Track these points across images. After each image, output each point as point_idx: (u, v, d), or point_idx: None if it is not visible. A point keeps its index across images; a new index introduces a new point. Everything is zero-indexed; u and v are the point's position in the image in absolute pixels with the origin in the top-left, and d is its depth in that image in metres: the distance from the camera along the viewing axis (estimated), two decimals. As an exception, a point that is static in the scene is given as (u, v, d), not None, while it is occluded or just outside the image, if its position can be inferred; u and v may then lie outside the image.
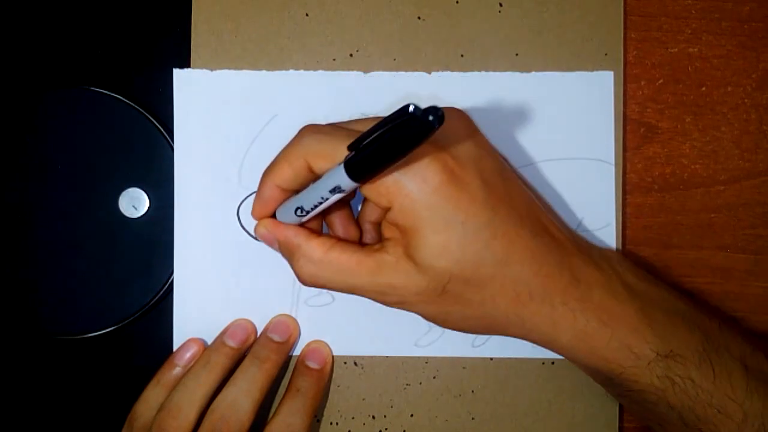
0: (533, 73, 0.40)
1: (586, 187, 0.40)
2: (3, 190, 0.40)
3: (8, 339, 0.40)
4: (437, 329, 0.40)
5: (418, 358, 0.40)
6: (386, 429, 0.41)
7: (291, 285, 0.40)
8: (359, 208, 0.38)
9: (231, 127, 0.40)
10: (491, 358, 0.40)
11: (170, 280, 0.40)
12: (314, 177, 0.33)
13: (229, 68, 0.40)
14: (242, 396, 0.36)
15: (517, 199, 0.34)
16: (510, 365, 0.40)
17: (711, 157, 0.41)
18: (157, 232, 0.40)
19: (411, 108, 0.27)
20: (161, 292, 0.40)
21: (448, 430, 0.40)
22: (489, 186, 0.33)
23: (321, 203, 0.33)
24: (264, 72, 0.40)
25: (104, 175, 0.40)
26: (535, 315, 0.34)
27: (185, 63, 0.40)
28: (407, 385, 0.40)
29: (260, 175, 0.40)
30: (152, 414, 0.36)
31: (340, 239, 0.35)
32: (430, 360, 0.40)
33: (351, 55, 0.40)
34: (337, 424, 0.40)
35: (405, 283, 0.33)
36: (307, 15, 0.40)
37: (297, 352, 0.40)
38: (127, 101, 0.40)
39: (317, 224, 0.37)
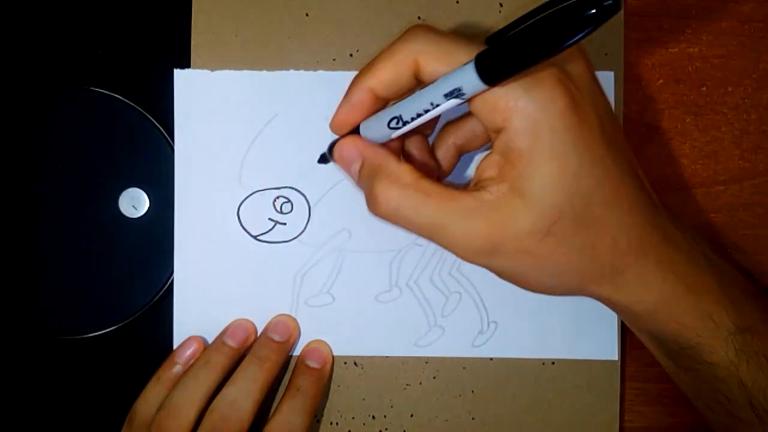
0: (533, 73, 0.40)
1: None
2: (3, 190, 0.40)
3: (9, 339, 0.40)
4: (437, 329, 0.40)
5: (418, 358, 0.40)
6: (386, 429, 0.41)
7: (291, 285, 0.40)
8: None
9: (231, 127, 0.40)
10: (491, 358, 0.40)
11: (170, 280, 0.40)
12: (415, 86, 0.30)
13: (229, 68, 0.40)
14: (242, 395, 0.36)
15: (624, 145, 0.32)
16: (510, 365, 0.40)
17: (711, 157, 0.41)
18: (157, 232, 0.40)
19: None
20: (161, 292, 0.40)
21: (448, 430, 0.40)
22: (603, 123, 0.30)
23: (427, 112, 0.29)
24: (264, 72, 0.40)
25: (104, 175, 0.40)
26: (628, 269, 0.31)
27: (185, 63, 0.40)
28: (407, 385, 0.40)
29: (260, 176, 0.40)
30: (152, 412, 0.36)
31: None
32: (430, 360, 0.40)
33: (351, 55, 0.40)
34: (337, 424, 0.40)
35: (504, 226, 0.29)
36: (307, 15, 0.40)
37: (297, 352, 0.40)
38: (127, 101, 0.40)
39: (396, 152, 0.33)
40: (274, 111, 0.40)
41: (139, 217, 0.40)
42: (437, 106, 0.29)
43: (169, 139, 0.40)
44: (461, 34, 0.31)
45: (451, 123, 0.36)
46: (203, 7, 0.40)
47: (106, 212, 0.40)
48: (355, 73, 0.39)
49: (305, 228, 0.40)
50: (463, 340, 0.40)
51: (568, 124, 0.29)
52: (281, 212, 0.40)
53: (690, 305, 0.32)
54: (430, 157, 0.35)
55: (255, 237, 0.40)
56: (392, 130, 0.31)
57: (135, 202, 0.40)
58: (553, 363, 0.40)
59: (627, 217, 0.31)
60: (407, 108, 0.30)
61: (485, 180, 0.30)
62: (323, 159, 0.37)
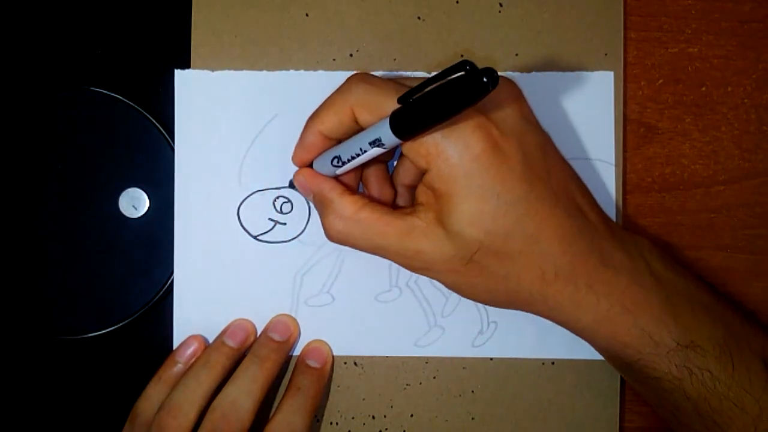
0: (533, 73, 0.40)
1: (587, 187, 0.40)
2: (3, 190, 0.40)
3: (9, 339, 0.40)
4: (437, 329, 0.40)
5: (418, 358, 0.40)
6: (386, 429, 0.41)
7: (291, 285, 0.40)
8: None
9: (231, 127, 0.40)
10: (491, 358, 0.40)
11: (170, 280, 0.40)
12: (358, 128, 0.33)
13: (229, 68, 0.40)
14: (243, 395, 0.36)
15: (556, 177, 0.34)
16: (510, 365, 0.40)
17: (711, 157, 0.41)
18: (157, 232, 0.40)
19: (467, 66, 0.28)
20: (161, 292, 0.40)
21: (448, 430, 0.40)
22: (529, 160, 0.33)
23: (359, 155, 0.33)
24: (264, 72, 0.40)
25: (104, 175, 0.40)
26: (558, 294, 0.34)
27: (185, 63, 0.40)
28: (407, 385, 0.40)
29: (260, 176, 0.40)
30: (154, 411, 0.36)
31: (373, 199, 0.36)
32: (430, 360, 0.40)
33: (351, 55, 0.40)
34: (337, 424, 0.40)
35: (432, 250, 0.33)
36: (307, 15, 0.40)
37: (297, 351, 0.40)
38: (127, 101, 0.40)
39: (354, 181, 0.37)
40: (274, 111, 0.40)
41: (139, 217, 0.40)
42: (366, 151, 0.32)
43: (169, 139, 0.40)
44: (398, 83, 0.33)
45: None
46: (203, 7, 0.40)
47: (106, 212, 0.40)
48: (355, 73, 0.40)
49: (305, 228, 0.40)
50: (463, 340, 0.40)
51: (484, 168, 0.31)
52: (281, 212, 0.40)
53: (627, 325, 0.34)
54: (386, 183, 0.37)
55: (255, 237, 0.40)
56: (335, 168, 0.35)
57: (135, 202, 0.40)
58: (553, 363, 0.40)
59: (555, 248, 0.33)
60: (345, 150, 0.34)
61: (419, 204, 0.34)
62: (291, 185, 0.39)
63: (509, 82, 0.35)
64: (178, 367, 0.38)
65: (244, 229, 0.40)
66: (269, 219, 0.40)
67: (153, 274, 0.40)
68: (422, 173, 0.33)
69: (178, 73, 0.40)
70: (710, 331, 0.34)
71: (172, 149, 0.40)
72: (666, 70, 0.41)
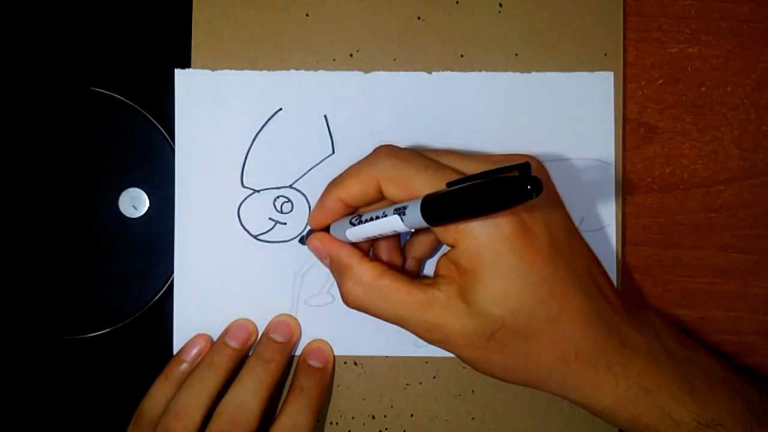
0: (533, 73, 0.40)
1: (586, 187, 0.40)
2: (3, 190, 0.40)
3: (9, 339, 0.40)
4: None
5: (418, 358, 0.40)
6: (386, 429, 0.41)
7: (291, 285, 0.40)
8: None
9: (231, 127, 0.40)
10: (491, 358, 0.40)
11: (170, 280, 0.40)
12: (380, 199, 0.34)
13: (230, 68, 0.40)
14: (249, 397, 0.36)
15: (578, 258, 0.34)
16: (510, 365, 0.40)
17: (711, 157, 0.41)
18: (157, 232, 0.40)
19: (517, 172, 0.28)
20: (161, 292, 0.40)
21: (448, 430, 0.40)
22: (555, 241, 0.33)
23: (378, 218, 0.33)
24: (264, 72, 0.40)
25: (104, 175, 0.40)
26: (577, 375, 0.34)
27: (185, 63, 0.40)
28: (407, 385, 0.40)
29: (261, 175, 0.40)
30: (159, 410, 0.36)
31: (389, 267, 0.35)
32: (430, 360, 0.40)
33: (351, 55, 0.40)
34: (337, 424, 0.40)
35: (452, 323, 0.33)
36: (307, 15, 0.40)
37: (297, 351, 0.40)
38: (127, 101, 0.40)
39: (366, 248, 0.37)
40: (274, 111, 0.40)
41: (139, 217, 0.40)
42: (386, 216, 0.32)
43: (169, 139, 0.40)
44: (424, 156, 0.34)
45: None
46: (203, 7, 0.40)
47: (106, 212, 0.40)
48: (355, 73, 0.40)
49: (305, 228, 0.40)
50: (463, 340, 0.40)
51: (513, 248, 0.31)
52: (281, 212, 0.40)
53: (647, 406, 0.34)
54: (396, 249, 0.37)
55: (255, 237, 0.40)
56: (352, 226, 0.34)
57: (135, 202, 0.40)
58: (553, 363, 0.40)
59: (577, 330, 0.33)
60: (369, 226, 0.34)
61: (440, 277, 0.34)
62: (302, 241, 0.40)
63: (537, 161, 0.35)
64: (184, 367, 0.38)
65: (245, 228, 0.40)
66: (269, 219, 0.40)
67: (153, 274, 0.40)
68: (435, 246, 0.34)
69: (178, 72, 0.40)
70: (730, 407, 0.34)
71: (172, 149, 0.40)
72: (666, 70, 0.41)
